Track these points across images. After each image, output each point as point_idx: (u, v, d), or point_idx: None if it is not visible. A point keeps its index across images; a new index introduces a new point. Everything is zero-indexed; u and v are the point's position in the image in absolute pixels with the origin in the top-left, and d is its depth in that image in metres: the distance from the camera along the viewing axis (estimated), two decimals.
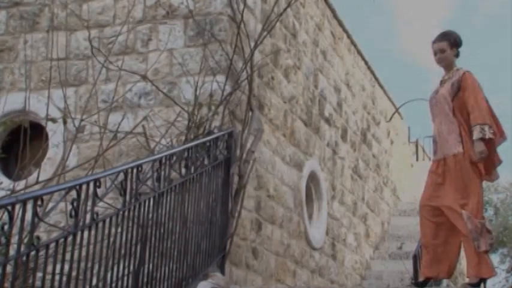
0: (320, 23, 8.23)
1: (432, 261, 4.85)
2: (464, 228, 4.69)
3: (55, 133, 5.90)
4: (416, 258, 5.90)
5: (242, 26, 5.94)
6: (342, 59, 8.98)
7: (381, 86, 10.80)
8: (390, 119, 11.19)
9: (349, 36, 9.24)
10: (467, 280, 4.97)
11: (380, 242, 10.00)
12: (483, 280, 4.67)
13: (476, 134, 4.76)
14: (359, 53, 9.68)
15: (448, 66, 5.11)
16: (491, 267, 4.71)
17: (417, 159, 14.08)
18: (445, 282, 6.86)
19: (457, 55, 5.14)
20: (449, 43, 5.10)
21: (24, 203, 2.91)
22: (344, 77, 9.02)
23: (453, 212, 4.75)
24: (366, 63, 10.01)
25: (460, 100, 4.91)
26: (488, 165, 4.94)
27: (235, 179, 5.57)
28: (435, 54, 5.13)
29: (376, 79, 10.53)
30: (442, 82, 5.13)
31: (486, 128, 4.77)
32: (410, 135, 13.50)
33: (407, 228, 10.06)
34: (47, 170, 5.83)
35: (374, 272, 9.11)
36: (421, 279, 4.91)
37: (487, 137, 4.75)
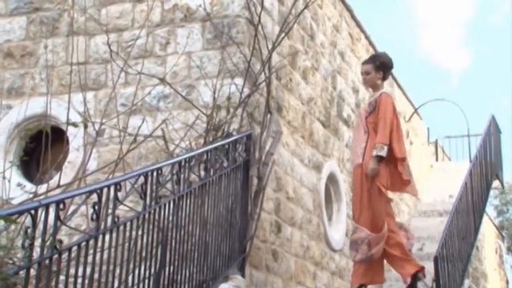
0: (338, 24, 8.21)
1: (366, 269, 5.41)
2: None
3: (75, 137, 5.94)
4: (437, 260, 5.86)
5: (260, 28, 5.95)
6: (360, 60, 8.94)
7: (400, 87, 10.75)
8: (409, 119, 11.13)
9: (367, 37, 9.21)
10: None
11: None
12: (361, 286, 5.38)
13: (373, 152, 5.28)
14: None
15: (373, 87, 5.64)
16: (360, 276, 5.39)
17: (437, 160, 13.99)
18: (466, 283, 6.82)
19: (383, 78, 5.64)
20: (374, 66, 5.60)
21: (46, 206, 2.94)
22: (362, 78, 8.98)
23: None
24: None
25: (375, 118, 5.42)
26: (396, 179, 5.45)
27: (255, 181, 5.58)
28: (362, 74, 5.68)
29: (394, 79, 10.48)
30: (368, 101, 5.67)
31: (385, 147, 5.29)
32: (429, 135, 13.43)
33: (428, 229, 9.98)
34: (67, 173, 5.88)
35: (394, 274, 9.03)
36: (354, 286, 5.41)
37: (382, 154, 5.26)
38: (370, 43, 9.35)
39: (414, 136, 11.55)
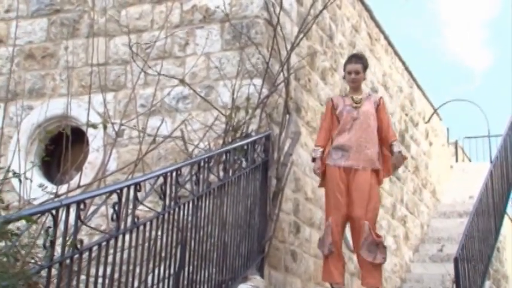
0: (357, 24, 8.19)
1: (342, 266, 5.51)
2: (363, 239, 5.31)
3: (95, 138, 5.99)
4: (457, 261, 5.82)
5: (278, 28, 5.95)
6: (379, 61, 8.91)
7: (419, 87, 10.69)
8: (429, 120, 11.06)
9: (386, 37, 9.17)
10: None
11: (420, 245, 9.89)
12: None
13: (396, 148, 5.61)
14: (396, 54, 9.59)
15: (358, 87, 5.73)
16: (381, 277, 5.50)
17: (456, 161, 13.90)
18: (487, 285, 6.76)
19: (364, 78, 5.84)
20: (363, 66, 5.73)
21: (67, 207, 2.96)
22: (381, 78, 8.95)
23: (360, 223, 5.34)
24: (404, 64, 9.92)
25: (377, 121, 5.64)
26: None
27: (273, 181, 5.58)
28: (350, 73, 5.70)
29: (414, 80, 10.42)
30: (355, 100, 5.64)
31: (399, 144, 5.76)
32: (449, 136, 13.34)
33: (448, 230, 9.93)
34: (87, 174, 5.92)
35: (414, 275, 9.01)
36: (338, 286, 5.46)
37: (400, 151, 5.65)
38: (389, 43, 9.31)
39: (434, 137, 11.48)
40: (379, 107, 5.65)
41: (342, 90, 7.62)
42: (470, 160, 14.88)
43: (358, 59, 5.74)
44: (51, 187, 5.48)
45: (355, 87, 5.70)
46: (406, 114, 9.94)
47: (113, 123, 5.39)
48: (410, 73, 10.20)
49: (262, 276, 5.22)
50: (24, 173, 3.99)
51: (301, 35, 6.17)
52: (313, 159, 5.64)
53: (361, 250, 5.33)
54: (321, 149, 5.60)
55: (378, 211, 5.55)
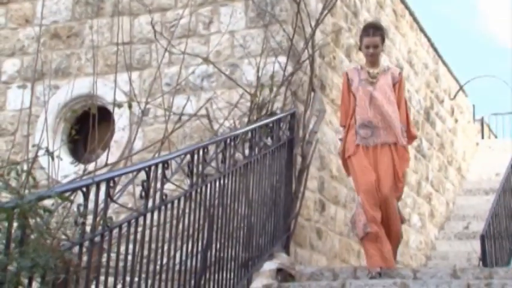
0: (381, 0, 8.09)
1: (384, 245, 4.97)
2: (396, 218, 5.00)
3: (121, 116, 6.02)
4: (484, 238, 5.79)
5: (303, 5, 5.91)
6: (404, 37, 8.81)
7: (445, 64, 10.55)
8: (454, 96, 10.94)
9: (411, 14, 9.05)
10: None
11: (445, 222, 9.85)
12: None
13: (405, 141, 5.18)
14: (422, 30, 9.47)
15: (376, 62, 5.22)
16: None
17: (482, 138, 13.75)
18: None
19: (382, 50, 5.35)
20: (381, 39, 5.21)
21: (97, 184, 3.00)
22: (406, 55, 8.86)
23: (390, 200, 4.99)
24: (429, 40, 9.79)
25: (395, 95, 5.19)
26: None
27: (299, 159, 5.58)
28: (367, 47, 5.18)
29: (440, 57, 10.29)
30: (372, 75, 5.19)
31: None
32: (475, 113, 13.19)
33: (474, 207, 9.86)
34: (113, 153, 5.97)
35: (439, 252, 8.99)
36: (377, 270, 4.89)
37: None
38: (415, 19, 9.19)
39: (459, 114, 11.36)
40: (395, 85, 5.25)
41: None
42: (496, 137, 14.71)
43: (376, 30, 5.24)
44: (78, 166, 5.54)
45: (373, 63, 5.25)
46: (432, 91, 9.84)
47: (138, 102, 5.42)
48: (435, 49, 10.07)
49: (287, 253, 5.24)
50: (55, 151, 4.03)
51: (326, 12, 6.12)
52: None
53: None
54: (344, 129, 5.28)
55: (403, 189, 5.38)
